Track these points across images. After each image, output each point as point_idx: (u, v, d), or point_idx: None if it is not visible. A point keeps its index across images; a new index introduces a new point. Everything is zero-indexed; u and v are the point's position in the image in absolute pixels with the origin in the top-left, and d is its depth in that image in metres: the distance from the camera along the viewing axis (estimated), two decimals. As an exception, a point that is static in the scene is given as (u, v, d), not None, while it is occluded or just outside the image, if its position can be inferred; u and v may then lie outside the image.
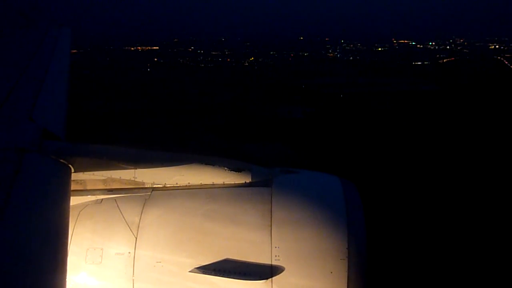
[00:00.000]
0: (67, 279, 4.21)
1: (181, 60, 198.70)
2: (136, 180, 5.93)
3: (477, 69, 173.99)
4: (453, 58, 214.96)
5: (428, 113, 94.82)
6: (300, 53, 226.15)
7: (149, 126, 76.51)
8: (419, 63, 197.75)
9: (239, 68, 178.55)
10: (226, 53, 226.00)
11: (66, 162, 5.60)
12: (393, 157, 59.34)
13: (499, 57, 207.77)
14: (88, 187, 5.91)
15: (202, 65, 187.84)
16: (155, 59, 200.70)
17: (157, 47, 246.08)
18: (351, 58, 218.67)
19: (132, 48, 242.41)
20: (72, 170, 5.64)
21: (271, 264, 5.11)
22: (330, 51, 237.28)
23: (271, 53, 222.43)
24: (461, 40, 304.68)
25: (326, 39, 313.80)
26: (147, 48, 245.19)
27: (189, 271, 5.22)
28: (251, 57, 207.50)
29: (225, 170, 5.91)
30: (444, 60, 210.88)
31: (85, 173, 5.85)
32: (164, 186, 5.94)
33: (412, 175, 52.28)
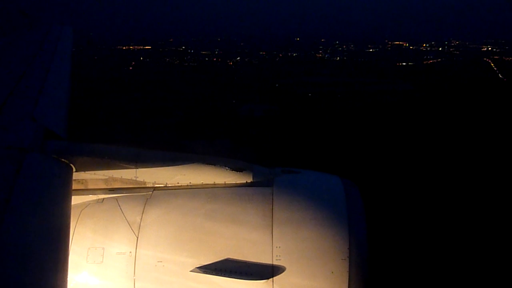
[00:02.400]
0: (68, 278, 4.24)
1: (167, 59, 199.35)
2: (137, 179, 5.94)
3: (459, 70, 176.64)
4: (439, 60, 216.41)
5: (392, 112, 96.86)
6: (289, 54, 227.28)
7: (104, 122, 76.61)
8: (404, 64, 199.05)
9: (222, 67, 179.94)
10: (216, 52, 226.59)
11: (67, 162, 5.58)
12: (340, 156, 60.11)
13: (487, 59, 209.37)
14: (90, 187, 5.92)
15: (186, 64, 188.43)
16: (141, 58, 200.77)
17: (149, 47, 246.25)
18: (338, 58, 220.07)
19: (124, 47, 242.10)
20: (74, 170, 5.62)
21: (272, 264, 5.13)
22: (321, 51, 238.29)
23: (261, 53, 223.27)
24: (457, 42, 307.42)
25: (322, 40, 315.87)
26: (139, 47, 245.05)
27: (190, 271, 5.24)
28: (237, 57, 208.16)
29: (227, 170, 5.93)
30: (430, 62, 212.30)
31: (86, 172, 5.85)
32: (166, 186, 5.95)
33: (360, 177, 52.81)
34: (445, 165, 59.97)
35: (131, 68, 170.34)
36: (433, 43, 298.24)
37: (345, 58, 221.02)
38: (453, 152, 66.54)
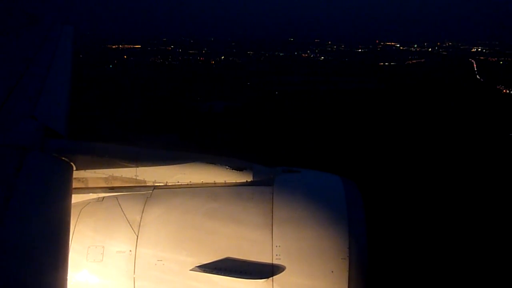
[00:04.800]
0: (68, 277, 4.21)
1: (151, 58, 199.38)
2: (137, 178, 5.94)
3: (438, 70, 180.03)
4: (422, 60, 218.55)
5: (352, 110, 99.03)
6: (276, 53, 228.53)
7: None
8: (386, 64, 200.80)
9: (202, 66, 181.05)
10: (203, 51, 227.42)
11: (67, 160, 5.57)
12: (282, 151, 60.75)
13: (472, 60, 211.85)
14: (90, 185, 5.90)
15: (167, 63, 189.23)
16: (125, 57, 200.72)
17: (139, 46, 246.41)
18: (322, 58, 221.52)
19: (114, 46, 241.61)
20: (74, 168, 5.61)
21: (272, 263, 5.12)
22: (308, 51, 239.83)
23: (248, 52, 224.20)
24: (449, 44, 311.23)
25: (316, 40, 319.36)
26: (129, 46, 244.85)
27: (190, 270, 5.23)
28: (222, 56, 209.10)
29: (227, 169, 5.93)
30: (412, 62, 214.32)
31: (86, 171, 5.84)
32: (166, 185, 5.95)
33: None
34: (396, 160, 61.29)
35: (111, 66, 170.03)
36: (425, 44, 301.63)
37: (329, 58, 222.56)
38: (402, 147, 68.13)
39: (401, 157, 64.70)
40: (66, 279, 4.08)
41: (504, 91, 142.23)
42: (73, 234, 5.38)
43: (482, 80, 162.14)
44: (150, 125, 78.55)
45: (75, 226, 5.47)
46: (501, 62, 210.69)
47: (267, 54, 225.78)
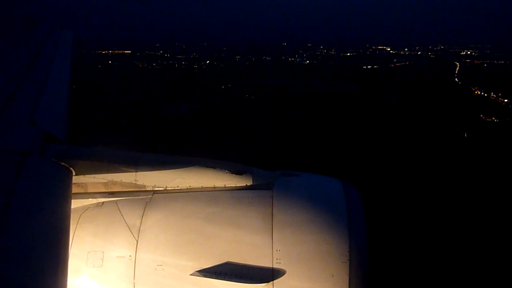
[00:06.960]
0: (68, 282, 4.22)
1: (135, 63, 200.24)
2: (137, 183, 5.91)
3: (419, 72, 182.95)
4: (406, 63, 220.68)
5: (319, 112, 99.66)
6: (263, 58, 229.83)
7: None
8: (369, 67, 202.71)
9: (184, 71, 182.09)
10: (191, 57, 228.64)
11: (67, 165, 5.55)
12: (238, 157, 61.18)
13: (457, 62, 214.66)
14: (89, 190, 5.88)
15: (150, 67, 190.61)
16: (109, 62, 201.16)
17: (129, 51, 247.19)
18: (307, 62, 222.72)
19: (104, 52, 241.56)
20: (73, 173, 5.59)
21: (272, 267, 5.11)
22: (296, 55, 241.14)
23: (236, 57, 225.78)
24: (441, 47, 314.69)
25: (308, 44, 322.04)
26: (119, 51, 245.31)
27: (190, 274, 5.21)
28: (207, 61, 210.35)
29: (226, 173, 5.92)
30: (396, 65, 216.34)
31: (86, 176, 5.81)
32: (165, 189, 5.92)
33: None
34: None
35: (91, 71, 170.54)
36: (417, 47, 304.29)
37: (315, 62, 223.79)
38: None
39: (354, 157, 65.39)
40: (66, 285, 4.09)
41: (476, 92, 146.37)
42: (72, 240, 5.36)
43: (459, 82, 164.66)
44: (106, 127, 78.70)
45: (74, 232, 5.45)
46: (485, 65, 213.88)
47: (253, 59, 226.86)
